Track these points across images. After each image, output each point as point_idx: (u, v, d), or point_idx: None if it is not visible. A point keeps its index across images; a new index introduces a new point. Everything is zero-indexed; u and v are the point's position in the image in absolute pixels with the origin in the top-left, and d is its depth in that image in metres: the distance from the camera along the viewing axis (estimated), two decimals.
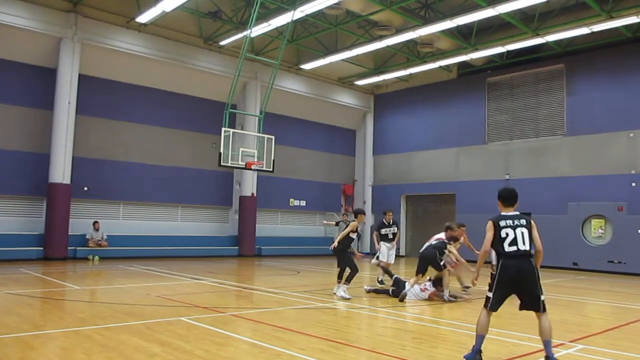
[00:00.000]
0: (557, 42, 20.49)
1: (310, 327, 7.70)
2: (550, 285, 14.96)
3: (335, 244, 10.97)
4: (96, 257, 18.77)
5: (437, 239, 11.51)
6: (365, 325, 8.58)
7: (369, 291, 11.69)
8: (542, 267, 5.58)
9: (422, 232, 25.18)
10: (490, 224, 5.89)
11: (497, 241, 5.81)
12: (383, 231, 13.47)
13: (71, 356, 5.71)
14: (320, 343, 6.55)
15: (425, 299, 10.83)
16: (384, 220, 13.64)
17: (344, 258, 11.02)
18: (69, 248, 18.46)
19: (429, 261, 11.05)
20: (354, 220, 11.08)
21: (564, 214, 20.78)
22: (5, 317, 7.87)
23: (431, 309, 9.96)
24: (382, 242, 13.33)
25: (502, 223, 5.84)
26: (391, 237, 13.43)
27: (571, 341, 7.05)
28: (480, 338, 5.72)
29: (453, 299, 10.80)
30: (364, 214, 11.47)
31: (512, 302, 6.22)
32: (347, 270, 10.90)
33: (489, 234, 5.87)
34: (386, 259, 13.26)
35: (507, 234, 5.78)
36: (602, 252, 19.68)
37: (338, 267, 11.10)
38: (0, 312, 8.30)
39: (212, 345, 6.25)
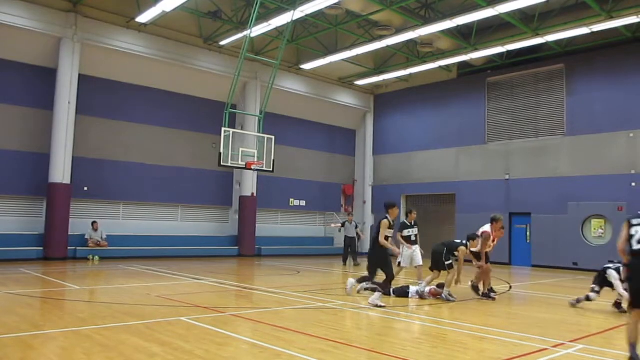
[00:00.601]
0: (557, 42, 20.50)
1: (310, 327, 7.70)
2: (550, 285, 14.98)
3: (393, 247, 10.27)
4: (96, 257, 18.77)
5: (482, 232, 11.19)
6: (365, 325, 8.58)
7: (366, 289, 11.45)
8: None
9: (422, 232, 25.12)
10: (625, 222, 5.87)
11: (629, 239, 5.74)
12: (406, 232, 12.62)
13: (71, 356, 5.71)
14: (320, 343, 6.55)
15: (425, 298, 10.85)
16: (406, 221, 12.81)
17: (380, 261, 10.07)
18: (69, 248, 18.47)
19: (435, 257, 10.98)
20: (386, 218, 10.14)
21: (564, 214, 20.79)
22: (5, 317, 7.87)
23: (432, 309, 9.96)
24: (402, 246, 12.44)
25: (634, 221, 5.77)
26: (414, 239, 12.62)
27: (571, 341, 7.05)
28: (632, 347, 5.45)
29: (452, 299, 10.79)
30: (397, 206, 10.38)
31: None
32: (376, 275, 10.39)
33: (623, 233, 5.83)
34: (409, 264, 12.51)
35: (636, 232, 5.68)
36: (602, 252, 19.61)
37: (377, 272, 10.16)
38: (0, 312, 8.30)
39: (212, 345, 6.25)
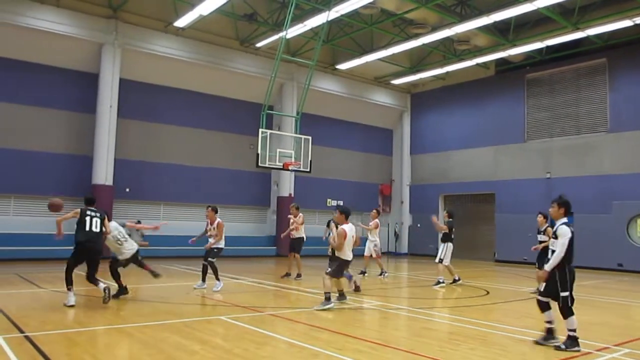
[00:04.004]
0: (599, 36, 19.91)
1: (347, 327, 7.71)
2: (593, 287, 14.59)
3: None
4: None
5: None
6: (402, 326, 8.53)
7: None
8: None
9: (460, 232, 24.92)
10: None
11: None
12: None
13: (113, 353, 5.87)
14: (357, 343, 6.55)
15: None
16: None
17: None
18: None
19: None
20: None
21: (607, 213, 20.20)
22: (52, 314, 8.14)
23: (470, 310, 9.83)
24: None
25: None
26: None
27: (616, 345, 6.84)
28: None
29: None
30: None
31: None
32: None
33: None
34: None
35: None
36: None
37: None
38: (47, 309, 8.58)
39: (251, 344, 6.32)
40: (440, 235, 14.14)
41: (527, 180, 22.74)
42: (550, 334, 6.58)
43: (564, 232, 6.59)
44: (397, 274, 18.32)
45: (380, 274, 15.25)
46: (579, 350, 6.32)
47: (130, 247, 10.14)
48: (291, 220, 14.86)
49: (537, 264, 11.60)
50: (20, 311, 8.35)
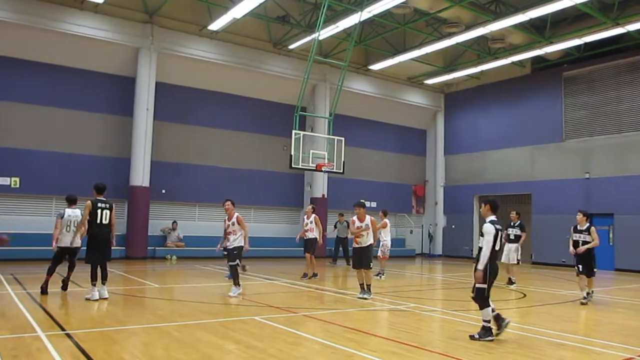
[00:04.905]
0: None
1: (381, 329, 7.68)
2: (636, 290, 14.19)
3: None
4: (174, 257, 19.48)
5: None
6: (437, 328, 8.45)
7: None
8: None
9: None
10: None
11: None
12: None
13: (151, 351, 5.98)
14: (392, 345, 6.51)
15: None
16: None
17: None
18: (148, 248, 19.33)
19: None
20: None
21: None
22: (92, 313, 8.36)
23: (506, 313, 9.66)
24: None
25: None
26: (512, 238, 13.99)
27: None
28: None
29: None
30: None
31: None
32: None
33: None
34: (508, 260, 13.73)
35: None
36: None
37: None
38: (86, 307, 8.79)
39: (285, 345, 6.36)
40: (511, 237, 14.12)
41: (565, 180, 22.23)
42: (495, 324, 7.02)
43: (489, 230, 6.98)
44: (432, 275, 18.16)
45: (377, 274, 14.72)
46: (492, 340, 6.76)
47: (78, 240, 9.99)
48: (305, 222, 15.22)
49: (578, 266, 11.19)
50: (61, 309, 8.59)
